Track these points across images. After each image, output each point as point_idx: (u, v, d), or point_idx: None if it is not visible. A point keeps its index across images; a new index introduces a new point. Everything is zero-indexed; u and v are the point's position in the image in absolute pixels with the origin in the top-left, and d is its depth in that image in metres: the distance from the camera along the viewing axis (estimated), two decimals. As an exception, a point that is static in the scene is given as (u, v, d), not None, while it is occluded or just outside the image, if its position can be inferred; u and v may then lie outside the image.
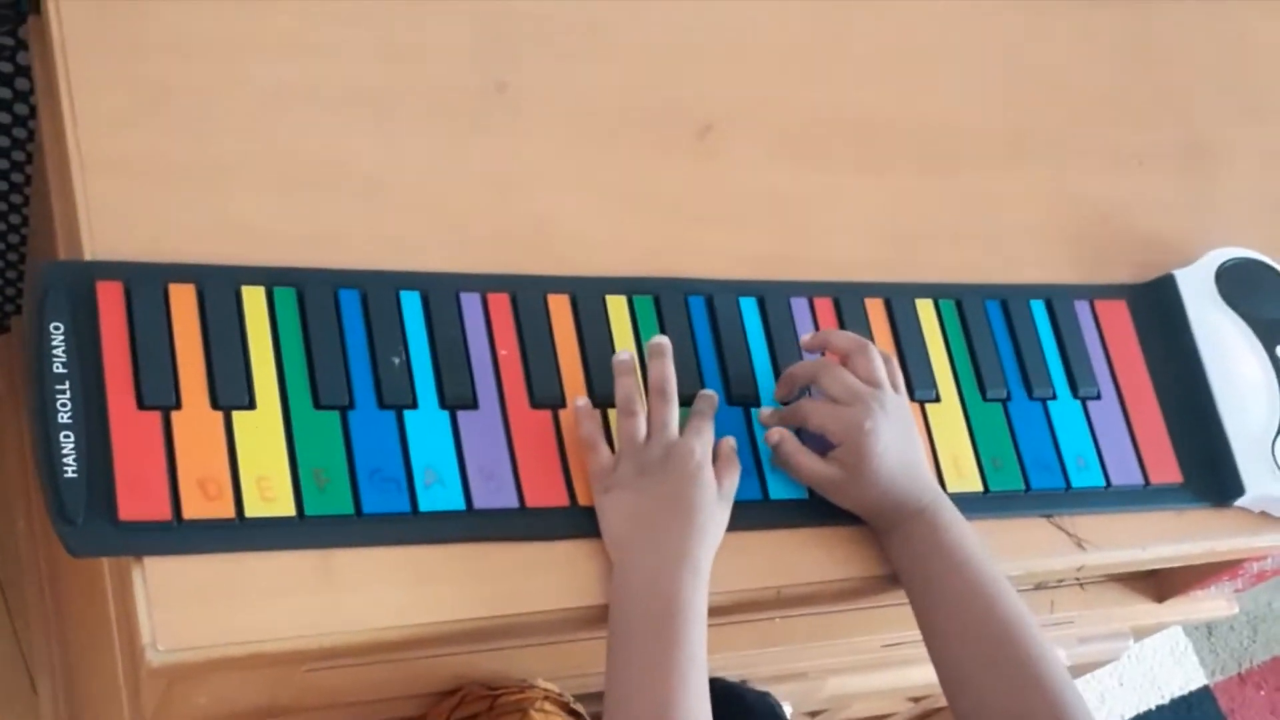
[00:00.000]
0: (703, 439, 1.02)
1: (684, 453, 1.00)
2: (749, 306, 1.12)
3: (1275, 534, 1.21)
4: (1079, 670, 1.62)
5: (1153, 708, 2.38)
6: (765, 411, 1.08)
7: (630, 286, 1.09)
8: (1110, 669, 2.35)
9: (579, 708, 1.20)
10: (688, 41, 1.22)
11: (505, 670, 1.23)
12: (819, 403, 1.05)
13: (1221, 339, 1.23)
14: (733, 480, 1.03)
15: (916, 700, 1.64)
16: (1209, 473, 1.20)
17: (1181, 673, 2.42)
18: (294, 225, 1.02)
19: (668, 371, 1.03)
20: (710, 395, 1.05)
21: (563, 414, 1.03)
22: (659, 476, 0.99)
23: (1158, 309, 1.25)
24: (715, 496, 1.00)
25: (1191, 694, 2.40)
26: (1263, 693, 2.44)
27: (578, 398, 1.03)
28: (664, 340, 1.04)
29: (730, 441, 1.04)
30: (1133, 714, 2.36)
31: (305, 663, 0.96)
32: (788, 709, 1.39)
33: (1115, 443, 1.19)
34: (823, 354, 1.10)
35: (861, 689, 1.50)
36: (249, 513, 0.91)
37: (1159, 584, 1.48)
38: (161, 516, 0.89)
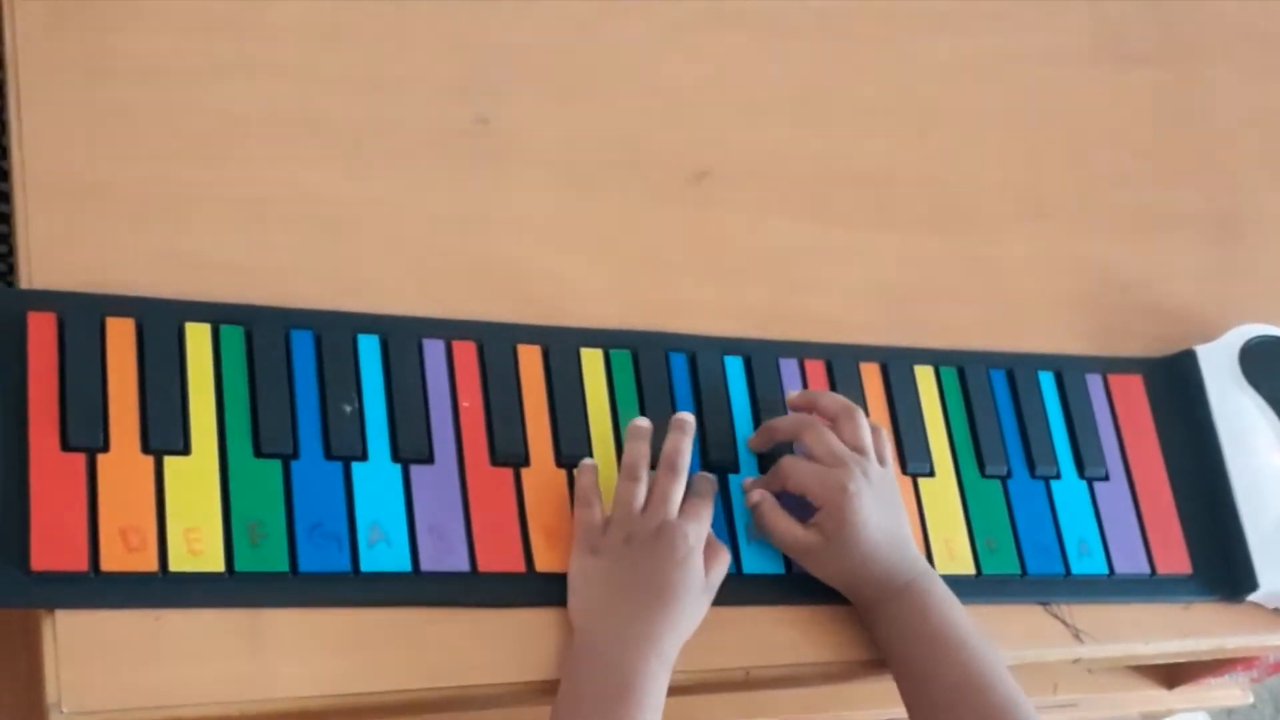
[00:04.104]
0: (699, 524, 0.96)
1: (677, 535, 0.94)
2: (734, 366, 1.06)
3: (1289, 633, 1.14)
4: (1083, 756, 1.55)
5: (1168, 788, 2.29)
6: (748, 480, 1.02)
7: (608, 340, 1.04)
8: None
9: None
10: (686, 83, 1.17)
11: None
12: (800, 461, 1.00)
13: (1242, 421, 1.16)
14: (720, 572, 0.97)
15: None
16: (1221, 564, 1.13)
17: (1201, 753, 2.33)
18: (248, 259, 0.97)
19: (684, 446, 0.97)
20: (711, 478, 1.00)
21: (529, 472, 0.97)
22: (646, 552, 0.94)
23: (1176, 386, 1.19)
24: (700, 586, 0.95)
25: (1210, 774, 2.32)
26: (1285, 777, 2.35)
27: (586, 459, 0.98)
28: (689, 417, 0.99)
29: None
30: (1147, 794, 2.27)
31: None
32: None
33: (1122, 528, 1.12)
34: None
35: (850, 767, 1.43)
36: (173, 567, 0.86)
37: (1170, 670, 1.41)
38: (77, 567, 0.84)
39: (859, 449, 1.00)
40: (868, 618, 1.01)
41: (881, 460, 1.01)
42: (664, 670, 0.91)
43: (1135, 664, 1.31)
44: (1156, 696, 1.43)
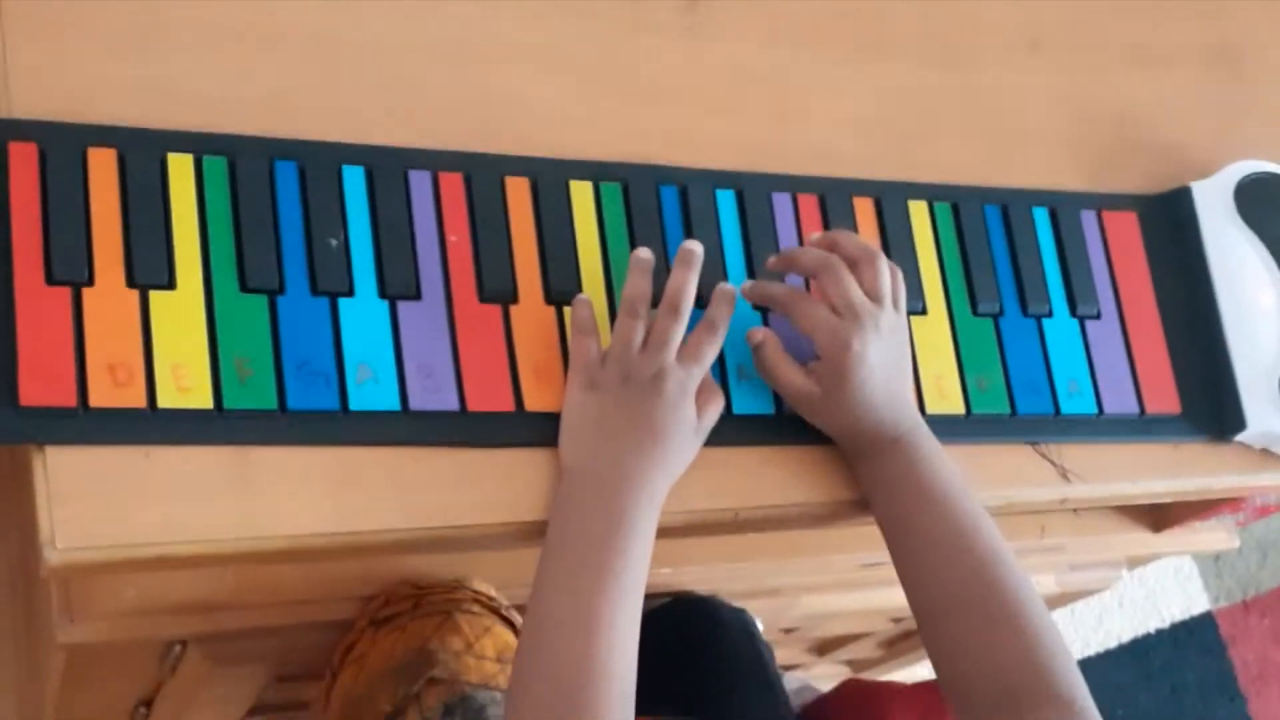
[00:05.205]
0: (700, 366, 0.95)
1: (673, 380, 0.93)
2: (726, 200, 1.04)
3: (1276, 473, 1.14)
4: (1068, 598, 1.57)
5: (1151, 631, 2.32)
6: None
7: (597, 171, 1.01)
8: (1110, 589, 2.30)
9: (513, 615, 1.14)
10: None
11: (461, 573, 1.18)
12: (813, 304, 0.97)
13: (1236, 260, 1.15)
14: (713, 415, 0.96)
15: (897, 621, 1.58)
16: (1210, 404, 1.12)
17: (1184, 596, 2.36)
18: (230, 88, 0.94)
19: (688, 285, 0.95)
20: (731, 298, 0.97)
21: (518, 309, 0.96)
22: (641, 394, 0.92)
23: (1170, 224, 1.17)
24: (692, 429, 0.94)
25: (1192, 619, 2.35)
26: (1266, 621, 2.38)
27: (580, 294, 0.96)
28: (697, 248, 0.96)
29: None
30: (1130, 637, 2.30)
31: (218, 565, 0.90)
32: (759, 625, 1.33)
33: (1112, 367, 1.11)
34: None
35: (837, 609, 1.44)
36: (162, 403, 0.85)
37: (1156, 513, 1.42)
38: (66, 402, 0.82)
39: (876, 297, 0.98)
40: (855, 466, 1.00)
41: (897, 305, 0.99)
42: (653, 508, 0.91)
43: (1122, 504, 1.31)
44: (1142, 540, 1.43)
